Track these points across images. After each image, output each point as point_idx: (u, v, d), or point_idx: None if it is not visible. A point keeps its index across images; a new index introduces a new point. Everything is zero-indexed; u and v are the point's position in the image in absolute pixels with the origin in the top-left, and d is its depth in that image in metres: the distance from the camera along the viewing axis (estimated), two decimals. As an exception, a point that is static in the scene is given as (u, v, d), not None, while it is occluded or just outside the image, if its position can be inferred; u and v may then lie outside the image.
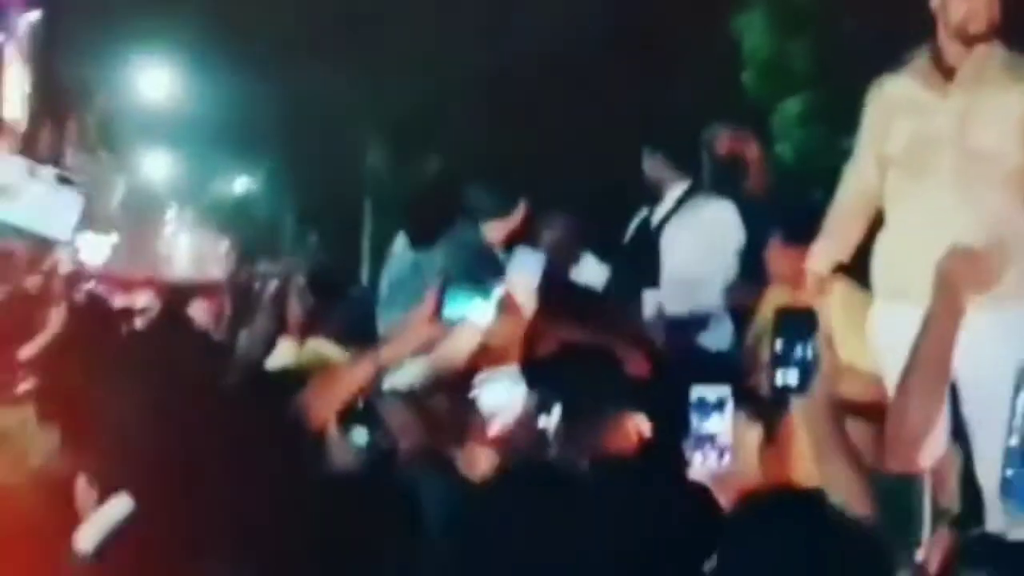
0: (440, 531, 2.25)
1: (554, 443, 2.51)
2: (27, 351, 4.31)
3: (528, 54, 15.97)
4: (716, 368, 3.08)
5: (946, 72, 3.28)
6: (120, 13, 20.87)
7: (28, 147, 23.99)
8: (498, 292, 2.81)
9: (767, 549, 1.72)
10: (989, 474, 2.92)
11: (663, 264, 4.00)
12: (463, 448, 2.65)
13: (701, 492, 2.21)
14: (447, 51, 17.12)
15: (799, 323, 1.85)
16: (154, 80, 25.32)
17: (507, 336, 2.89)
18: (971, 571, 1.59)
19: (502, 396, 2.59)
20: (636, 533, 2.18)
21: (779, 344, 1.84)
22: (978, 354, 2.94)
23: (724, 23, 15.31)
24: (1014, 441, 1.55)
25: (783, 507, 1.85)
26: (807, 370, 1.81)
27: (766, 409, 2.29)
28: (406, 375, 2.77)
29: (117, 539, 2.17)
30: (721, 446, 2.24)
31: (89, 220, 25.19)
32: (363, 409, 2.79)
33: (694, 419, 2.26)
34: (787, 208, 4.16)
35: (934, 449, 2.37)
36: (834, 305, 3.43)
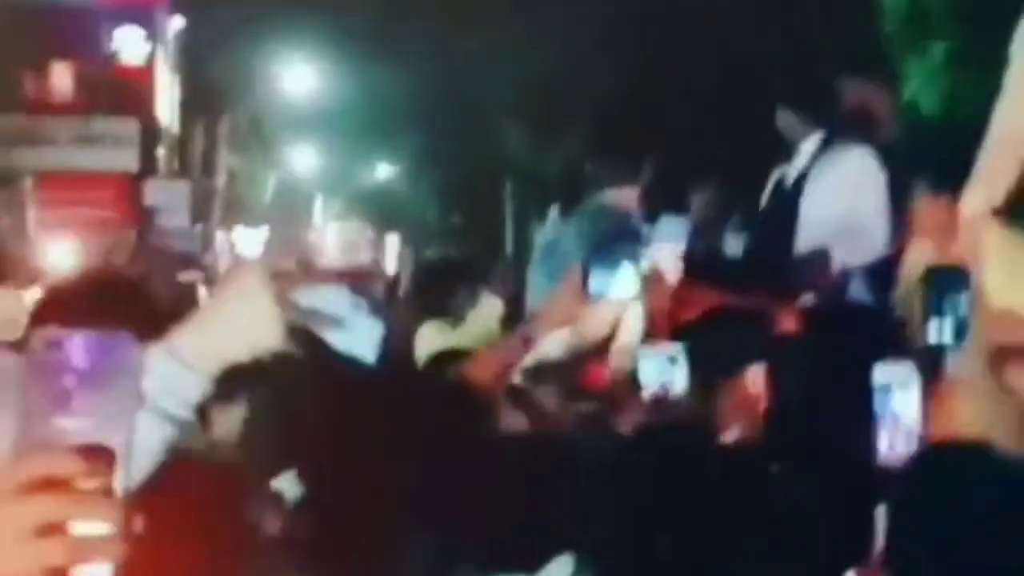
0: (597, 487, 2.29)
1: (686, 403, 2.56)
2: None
3: (656, 17, 15.85)
4: (867, 323, 3.05)
5: None
6: (260, 13, 21.48)
7: (182, 150, 24.99)
8: (643, 264, 2.83)
9: (949, 505, 1.70)
10: None
11: (804, 219, 3.98)
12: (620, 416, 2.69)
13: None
14: (575, 23, 17.12)
15: (952, 277, 1.82)
16: (297, 76, 26.01)
17: (653, 308, 2.91)
18: None
19: (660, 372, 2.62)
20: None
21: (932, 299, 1.81)
22: None
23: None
24: None
25: (957, 460, 1.79)
26: (962, 325, 1.79)
27: (923, 365, 2.22)
28: (551, 348, 2.83)
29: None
30: (908, 428, 2.16)
31: (243, 214, 26.09)
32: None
33: (878, 402, 2.18)
34: (932, 157, 4.10)
35: None
36: (990, 251, 3.39)
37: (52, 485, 0.95)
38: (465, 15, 18.68)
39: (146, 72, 22.30)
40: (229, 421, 2.34)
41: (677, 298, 3.10)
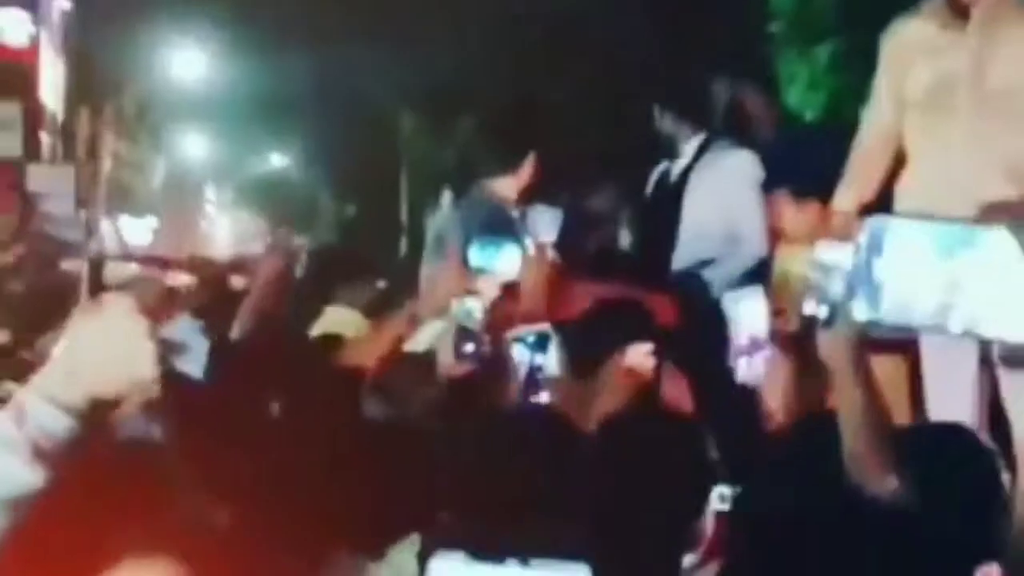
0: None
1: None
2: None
3: (544, 12, 15.94)
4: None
5: (961, 12, 3.29)
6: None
7: (66, 135, 24.32)
8: (525, 243, 2.85)
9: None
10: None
11: (686, 215, 4.06)
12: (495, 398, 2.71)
13: (749, 394, 2.25)
14: (466, 14, 17.12)
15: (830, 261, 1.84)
16: (187, 62, 25.52)
17: (532, 289, 2.93)
18: None
19: (532, 352, 2.65)
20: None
21: (814, 277, 1.82)
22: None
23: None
24: None
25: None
26: (836, 306, 1.82)
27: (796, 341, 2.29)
28: (428, 335, 2.84)
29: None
30: (761, 344, 2.30)
31: (130, 202, 25.52)
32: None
33: (732, 322, 2.28)
34: (811, 161, 4.21)
35: None
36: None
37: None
38: (360, 4, 18.53)
39: (30, 54, 21.67)
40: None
41: (559, 286, 3.15)
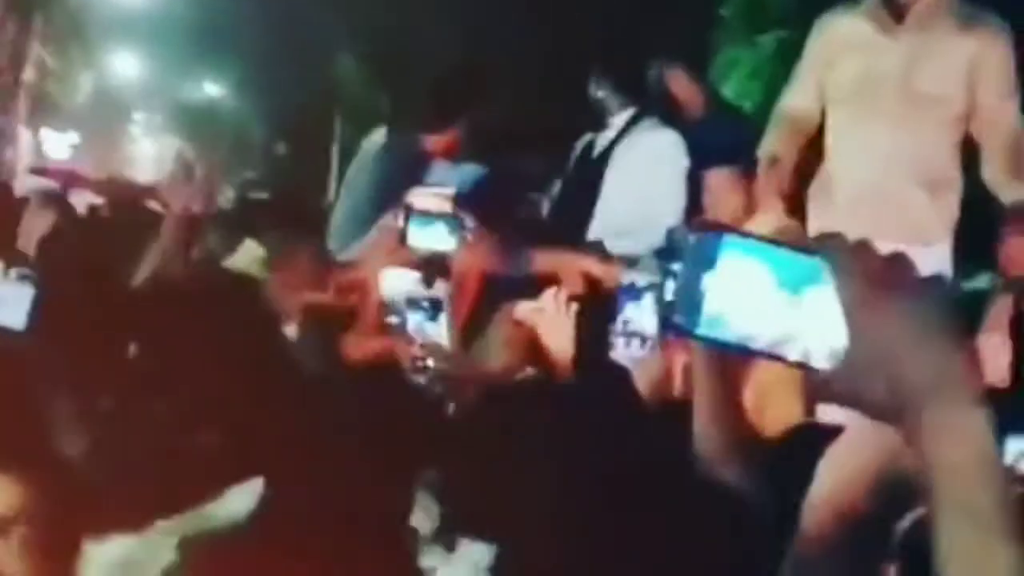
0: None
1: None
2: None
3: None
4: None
5: (897, 14, 3.29)
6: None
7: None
8: (465, 221, 2.79)
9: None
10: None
11: (606, 188, 3.99)
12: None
13: (623, 373, 2.24)
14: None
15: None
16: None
17: (468, 265, 2.87)
18: None
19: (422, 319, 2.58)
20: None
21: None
22: None
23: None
24: None
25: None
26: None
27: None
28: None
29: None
30: (642, 333, 2.29)
31: (53, 115, 24.85)
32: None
33: (621, 306, 2.29)
34: (748, 146, 4.16)
35: None
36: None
37: None
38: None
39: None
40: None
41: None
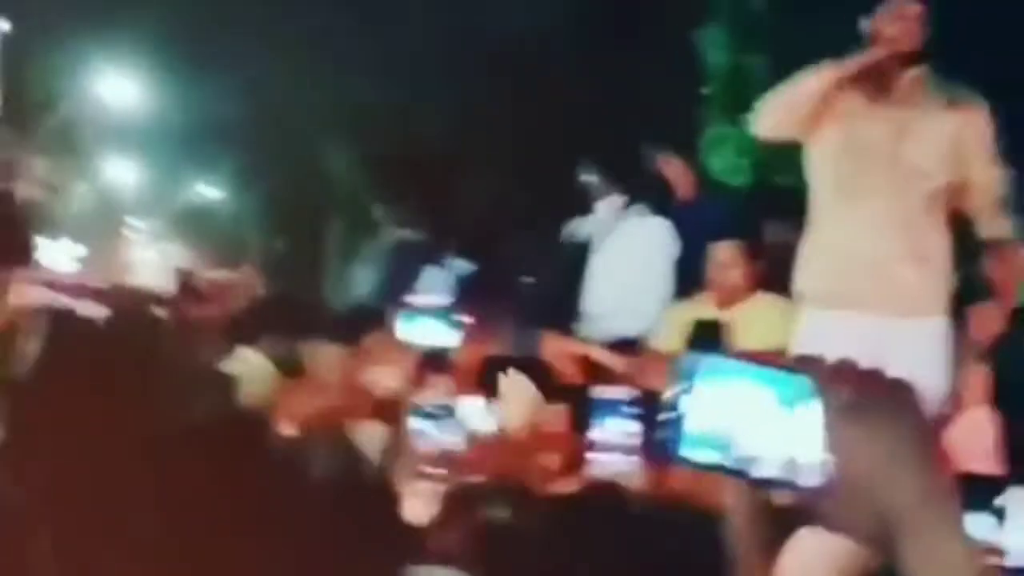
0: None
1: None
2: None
3: (483, 55, 16.04)
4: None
5: (885, 88, 3.33)
6: (81, 21, 20.75)
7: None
8: (459, 317, 2.83)
9: None
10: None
11: (594, 274, 4.03)
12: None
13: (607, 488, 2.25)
14: (406, 53, 17.17)
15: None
16: (116, 88, 25.14)
17: (468, 360, 2.91)
18: None
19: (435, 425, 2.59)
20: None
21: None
22: (899, 361, 3.09)
23: (683, 37, 15.41)
24: None
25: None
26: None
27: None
28: None
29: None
30: (626, 448, 2.32)
31: (49, 225, 24.98)
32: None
33: (599, 418, 2.33)
34: (737, 225, 4.20)
35: None
36: (754, 315, 3.52)
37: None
38: (293, 39, 18.48)
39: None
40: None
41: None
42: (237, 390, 3.23)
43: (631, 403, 2.31)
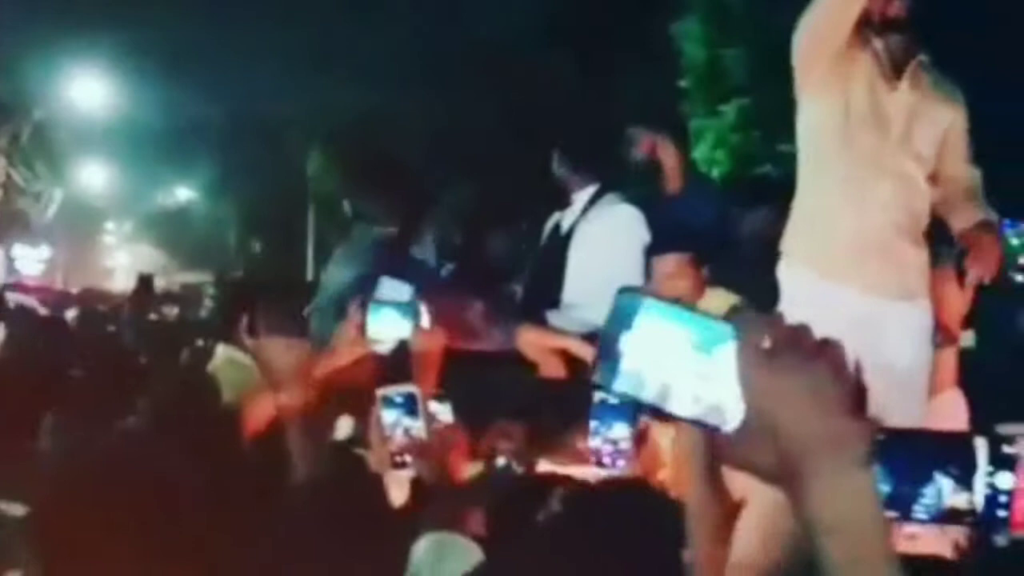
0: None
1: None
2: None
3: (457, 55, 16.03)
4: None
5: (896, 71, 3.29)
6: (54, 25, 20.63)
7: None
8: (421, 308, 2.78)
9: None
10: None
11: (569, 267, 3.97)
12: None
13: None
14: (382, 54, 17.15)
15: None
16: (89, 91, 25.00)
17: (426, 352, 2.84)
18: None
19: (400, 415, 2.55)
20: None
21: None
22: (889, 344, 3.06)
23: (660, 29, 15.41)
24: None
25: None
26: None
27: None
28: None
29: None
30: (622, 450, 2.35)
31: (24, 230, 24.83)
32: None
33: (596, 422, 2.32)
34: (715, 215, 4.14)
35: None
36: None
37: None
38: (266, 45, 18.43)
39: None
40: None
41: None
42: (217, 387, 3.16)
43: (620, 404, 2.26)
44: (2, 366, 3.96)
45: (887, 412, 3.11)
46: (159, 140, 24.77)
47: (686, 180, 4.39)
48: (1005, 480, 1.12)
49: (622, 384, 1.00)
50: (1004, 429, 1.13)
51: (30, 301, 9.57)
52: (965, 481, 1.11)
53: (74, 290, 16.94)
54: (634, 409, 2.34)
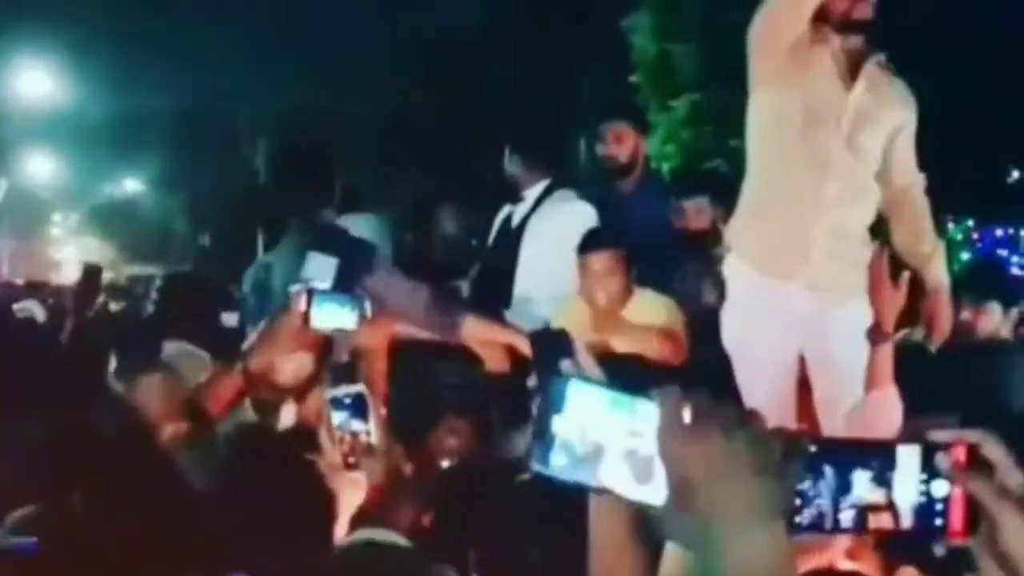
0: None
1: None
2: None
3: (410, 47, 15.99)
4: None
5: (851, 72, 3.28)
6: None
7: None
8: (364, 302, 2.75)
9: None
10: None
11: (521, 262, 3.98)
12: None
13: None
14: (334, 47, 17.06)
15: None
16: (37, 82, 24.63)
17: (373, 343, 2.83)
18: None
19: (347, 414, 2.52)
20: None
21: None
22: (834, 341, 3.13)
23: (613, 25, 15.46)
24: None
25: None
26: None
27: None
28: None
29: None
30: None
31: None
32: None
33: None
34: (650, 216, 4.16)
35: None
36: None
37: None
38: (216, 37, 18.27)
39: None
40: None
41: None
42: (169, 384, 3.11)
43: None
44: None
45: (832, 408, 3.14)
46: (107, 131, 24.46)
47: (643, 176, 4.41)
48: (940, 488, 1.11)
49: (557, 464, 1.04)
50: (935, 436, 1.12)
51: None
52: (883, 480, 1.11)
53: (19, 281, 16.69)
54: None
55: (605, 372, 1.10)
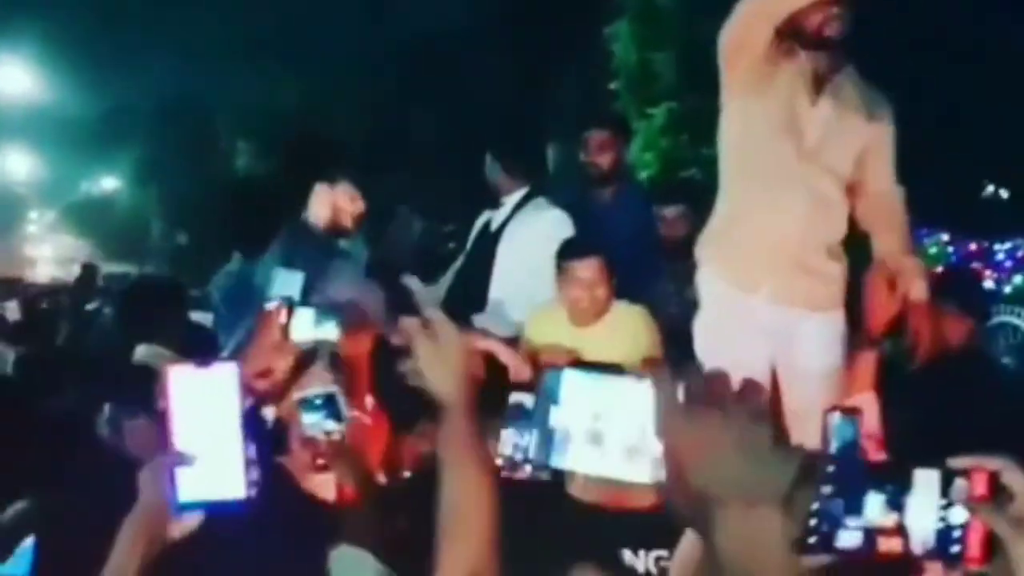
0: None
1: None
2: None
3: (392, 52, 15.96)
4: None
5: (817, 85, 3.28)
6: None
7: None
8: (351, 309, 2.76)
9: None
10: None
11: (497, 267, 4.00)
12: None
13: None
14: (314, 49, 17.02)
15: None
16: (13, 78, 24.47)
17: (355, 352, 2.83)
18: None
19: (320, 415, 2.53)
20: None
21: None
22: (802, 353, 3.13)
23: (595, 33, 15.50)
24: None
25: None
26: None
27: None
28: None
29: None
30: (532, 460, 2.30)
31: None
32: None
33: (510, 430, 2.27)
34: (628, 225, 4.17)
35: None
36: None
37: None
38: (195, 33, 18.20)
39: None
40: None
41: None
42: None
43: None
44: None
45: (801, 419, 3.15)
46: (84, 128, 24.31)
47: (622, 184, 4.44)
48: (958, 514, 1.10)
49: (558, 459, 1.06)
50: (955, 461, 1.11)
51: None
52: (896, 504, 1.10)
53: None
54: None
55: (584, 374, 1.11)
